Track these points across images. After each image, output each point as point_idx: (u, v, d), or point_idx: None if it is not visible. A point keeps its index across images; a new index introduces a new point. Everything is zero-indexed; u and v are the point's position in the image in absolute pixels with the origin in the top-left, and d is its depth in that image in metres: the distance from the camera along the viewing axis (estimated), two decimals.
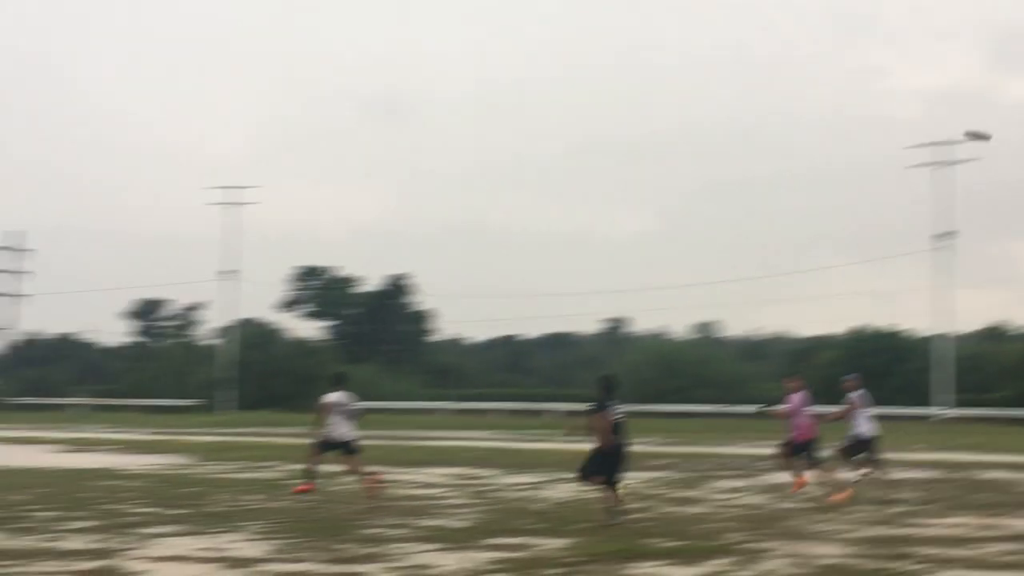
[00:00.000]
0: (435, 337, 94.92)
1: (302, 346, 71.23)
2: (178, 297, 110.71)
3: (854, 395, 17.45)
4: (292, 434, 41.13)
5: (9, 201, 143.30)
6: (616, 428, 13.70)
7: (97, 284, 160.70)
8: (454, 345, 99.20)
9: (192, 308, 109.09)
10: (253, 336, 73.78)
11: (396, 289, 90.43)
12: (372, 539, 12.16)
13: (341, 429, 16.37)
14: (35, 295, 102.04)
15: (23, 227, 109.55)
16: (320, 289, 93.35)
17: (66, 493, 17.10)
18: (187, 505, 15.49)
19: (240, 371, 68.22)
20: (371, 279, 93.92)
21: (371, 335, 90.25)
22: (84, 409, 70.86)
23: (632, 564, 10.48)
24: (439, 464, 24.37)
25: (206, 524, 13.35)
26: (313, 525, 13.31)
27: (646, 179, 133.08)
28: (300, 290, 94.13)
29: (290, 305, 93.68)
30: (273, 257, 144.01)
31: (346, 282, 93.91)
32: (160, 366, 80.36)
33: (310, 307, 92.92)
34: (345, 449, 16.42)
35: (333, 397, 16.44)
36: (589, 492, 14.59)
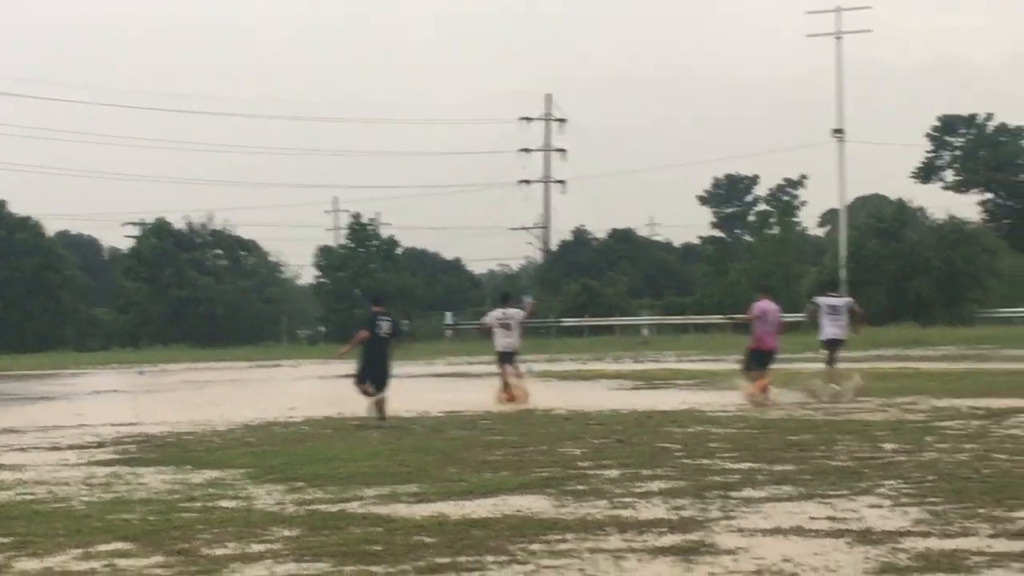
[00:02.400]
0: None
1: (949, 231, 70.16)
2: (769, 172, 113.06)
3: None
4: (940, 357, 40.94)
5: (524, 60, 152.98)
6: None
7: (657, 160, 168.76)
8: None
9: (789, 185, 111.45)
10: (878, 220, 73.81)
11: None
12: None
13: None
14: (574, 179, 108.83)
15: (549, 89, 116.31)
16: (972, 147, 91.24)
17: (635, 444, 18.29)
18: (796, 459, 16.00)
19: (861, 270, 68.63)
20: None
21: None
22: (649, 330, 74.90)
23: None
24: None
25: (822, 485, 13.72)
26: (972, 485, 13.28)
27: None
28: (942, 150, 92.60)
29: (929, 174, 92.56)
30: (902, 108, 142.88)
31: (1009, 135, 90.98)
32: (750, 267, 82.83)
33: (958, 175, 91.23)
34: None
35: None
36: None
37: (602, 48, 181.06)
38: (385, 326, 24.36)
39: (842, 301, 28.52)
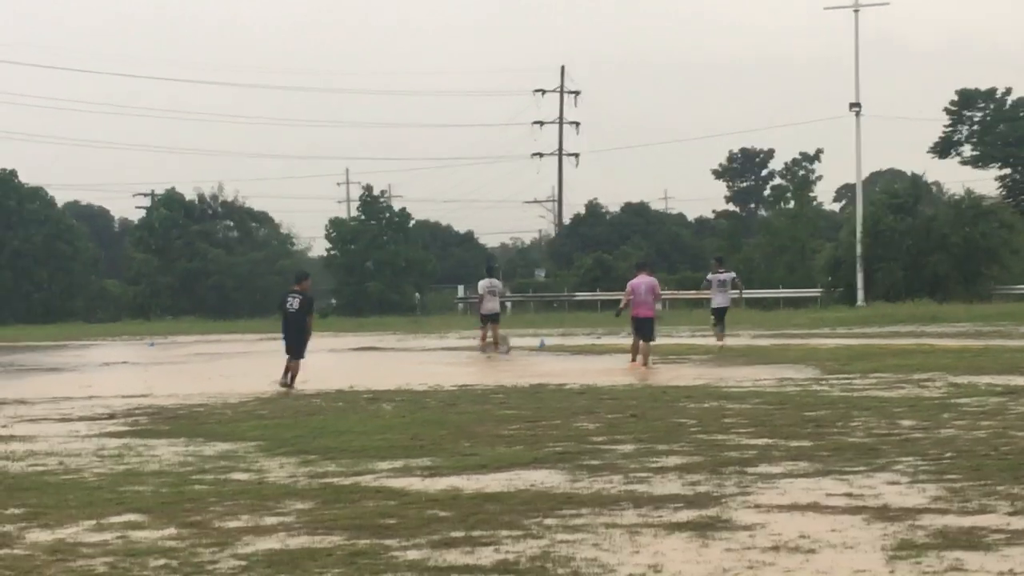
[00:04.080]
0: None
1: (967, 207, 69.78)
2: (785, 146, 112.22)
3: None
4: (957, 334, 40.92)
5: (538, 31, 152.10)
6: None
7: (671, 133, 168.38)
8: None
9: (804, 160, 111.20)
10: (893, 195, 73.55)
11: None
12: None
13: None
14: (587, 153, 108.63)
15: (561, 61, 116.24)
16: (990, 122, 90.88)
17: (650, 419, 18.29)
18: (813, 435, 15.98)
19: (876, 245, 68.42)
20: None
21: None
22: (662, 304, 74.69)
23: None
24: None
25: (839, 461, 13.71)
26: (990, 462, 13.27)
27: None
28: (960, 125, 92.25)
29: (946, 148, 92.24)
30: (919, 83, 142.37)
31: None
32: (763, 242, 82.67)
33: (975, 150, 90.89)
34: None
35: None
36: None
37: (618, 22, 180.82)
38: (293, 302, 26.59)
39: (728, 276, 37.35)
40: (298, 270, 28.86)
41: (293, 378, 25.98)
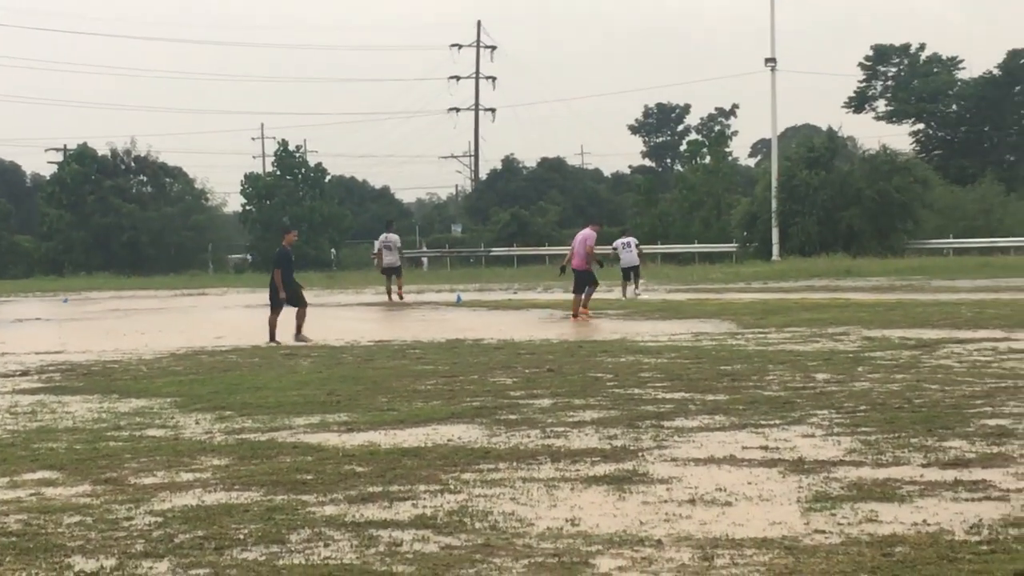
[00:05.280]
0: None
1: (881, 162, 70.28)
2: (701, 101, 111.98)
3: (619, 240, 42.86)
4: (871, 288, 41.34)
5: None
6: None
7: (587, 89, 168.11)
8: None
9: (720, 115, 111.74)
10: (808, 151, 74.00)
11: (1016, 72, 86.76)
12: (993, 434, 12.05)
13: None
14: (504, 108, 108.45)
15: (478, 16, 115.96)
16: (904, 78, 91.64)
17: (567, 373, 18.34)
18: (728, 389, 16.08)
19: (792, 200, 68.86)
20: (979, 59, 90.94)
21: (979, 141, 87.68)
22: None
23: None
24: None
25: (755, 414, 13.80)
26: (906, 414, 13.39)
27: None
28: (875, 81, 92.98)
29: (861, 103, 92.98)
30: (834, 38, 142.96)
31: (941, 66, 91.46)
32: (679, 197, 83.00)
33: (889, 105, 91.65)
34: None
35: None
36: None
37: None
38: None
39: (630, 240, 43.17)
40: (281, 224, 29.73)
41: (273, 331, 26.39)
